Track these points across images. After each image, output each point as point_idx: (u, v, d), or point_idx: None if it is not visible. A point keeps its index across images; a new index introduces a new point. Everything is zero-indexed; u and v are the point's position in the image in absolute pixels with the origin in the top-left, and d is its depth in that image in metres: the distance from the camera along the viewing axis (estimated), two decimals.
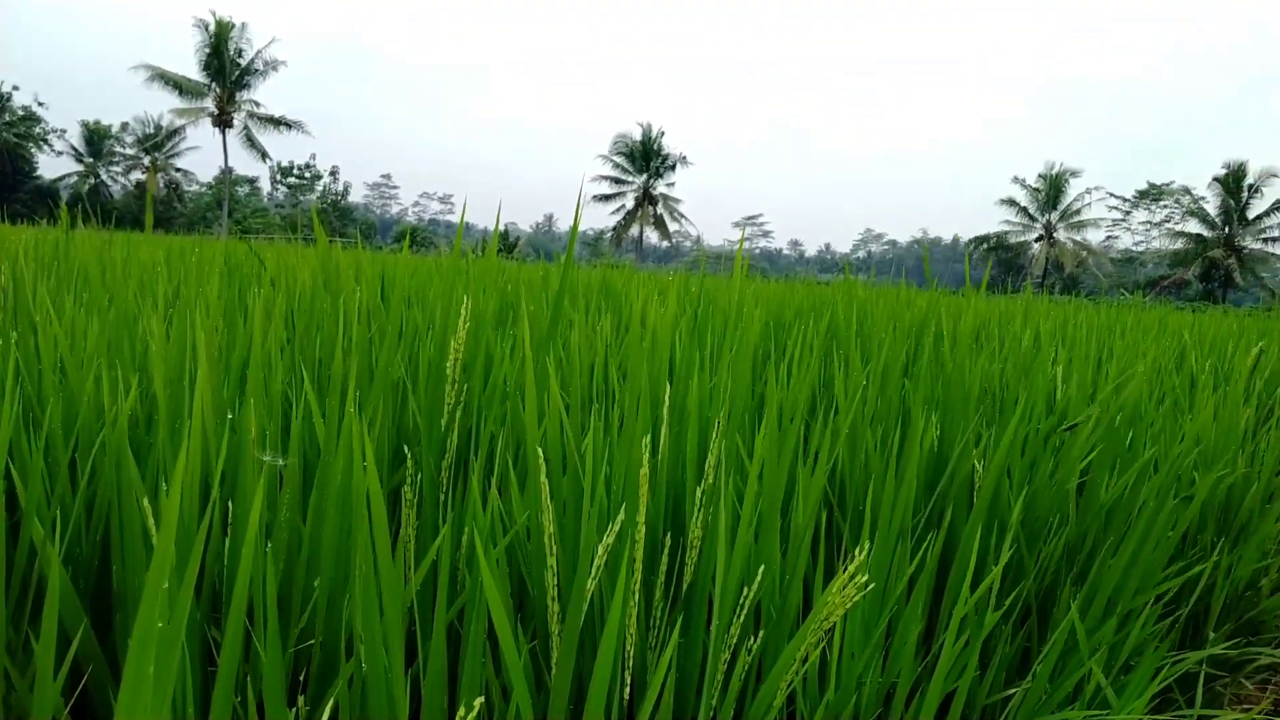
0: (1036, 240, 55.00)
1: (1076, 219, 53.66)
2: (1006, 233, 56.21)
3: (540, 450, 1.18)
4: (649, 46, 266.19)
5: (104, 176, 60.41)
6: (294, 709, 1.01)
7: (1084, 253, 53.05)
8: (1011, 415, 1.65)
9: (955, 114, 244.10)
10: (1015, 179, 55.34)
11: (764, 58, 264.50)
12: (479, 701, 0.79)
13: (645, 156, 57.68)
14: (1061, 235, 54.02)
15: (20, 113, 54.61)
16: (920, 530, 1.70)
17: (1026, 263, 55.73)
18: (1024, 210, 55.06)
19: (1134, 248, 63.58)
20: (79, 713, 1.19)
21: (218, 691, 0.92)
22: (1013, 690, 1.57)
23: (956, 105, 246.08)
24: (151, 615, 0.71)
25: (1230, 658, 2.19)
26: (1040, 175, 54.45)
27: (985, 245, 56.79)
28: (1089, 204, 53.59)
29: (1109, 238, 63.99)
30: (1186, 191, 51.90)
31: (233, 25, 46.84)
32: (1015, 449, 1.76)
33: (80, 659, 1.14)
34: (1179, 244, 50.48)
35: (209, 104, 47.90)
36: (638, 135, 57.74)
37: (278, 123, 49.39)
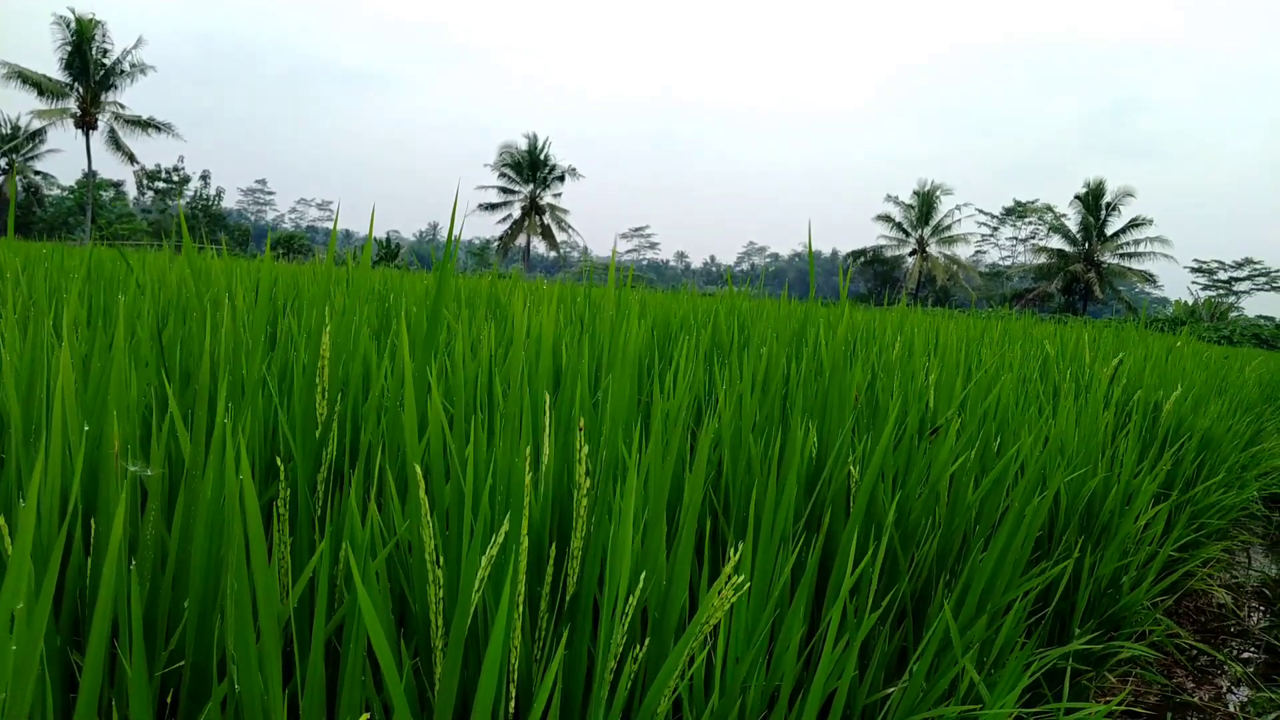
0: (911, 254, 57.15)
1: (948, 234, 56.02)
2: (883, 247, 58.27)
3: (419, 465, 1.16)
4: (540, 57, 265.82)
5: None
6: None
7: (955, 266, 55.41)
8: (885, 422, 1.70)
9: (837, 130, 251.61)
10: (889, 197, 57.36)
11: (656, 68, 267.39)
12: (365, 718, 0.76)
13: (532, 166, 57.51)
14: (934, 250, 56.29)
15: None
16: (801, 535, 1.74)
17: (901, 276, 57.83)
18: (899, 226, 57.15)
19: (1001, 262, 66.81)
20: None
21: (79, 717, 0.87)
22: (891, 689, 1.62)
23: (837, 121, 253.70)
24: (4, 637, 0.67)
25: (1095, 652, 2.31)
26: (914, 192, 56.59)
27: (863, 259, 58.73)
28: (959, 220, 56.10)
29: (978, 252, 67.13)
30: (1049, 209, 54.82)
31: (96, 24, 44.66)
32: (889, 454, 1.81)
33: None
34: (1043, 259, 53.33)
35: (71, 105, 45.52)
36: (524, 145, 57.56)
37: (145, 125, 47.25)
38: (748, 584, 1.32)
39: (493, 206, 58.03)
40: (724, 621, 1.34)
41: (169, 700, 1.16)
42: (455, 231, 1.47)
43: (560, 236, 58.28)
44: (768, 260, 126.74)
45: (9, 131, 53.92)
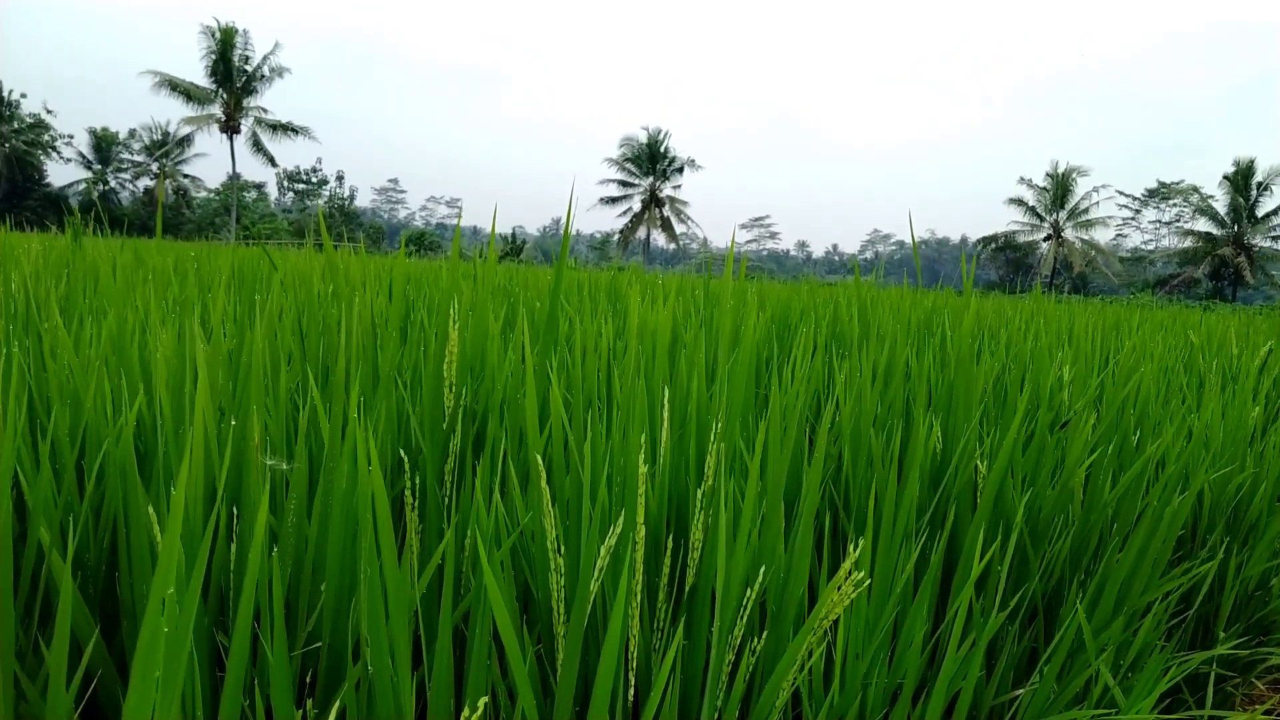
0: (1045, 240, 54.84)
1: (1084, 218, 53.45)
2: (1015, 232, 56.04)
3: (540, 457, 1.19)
4: (665, 50, 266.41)
5: (113, 183, 60.64)
6: (301, 711, 1.02)
7: (1092, 252, 52.87)
8: (1014, 416, 1.65)
9: (965, 111, 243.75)
10: (1022, 179, 55.14)
11: (772, 58, 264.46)
12: (484, 701, 0.79)
13: (652, 159, 57.72)
14: (1070, 234, 53.85)
15: (29, 120, 54.86)
16: (925, 531, 1.71)
17: (1035, 262, 55.59)
18: (1032, 210, 54.89)
19: (1143, 246, 63.42)
20: (88, 717, 1.20)
21: (226, 694, 0.93)
22: (1020, 691, 1.58)
23: (966, 102, 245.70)
24: (157, 620, 0.72)
25: (1240, 658, 2.19)
26: (1047, 174, 54.26)
27: (993, 245, 56.64)
28: (1097, 203, 53.39)
29: (1118, 236, 63.89)
30: (1195, 190, 51.70)
31: (236, 31, 46.97)
32: (1018, 449, 1.76)
33: (90, 665, 1.16)
34: (1188, 242, 50.30)
35: (216, 110, 48.05)
36: (644, 138, 57.80)
37: (284, 128, 49.52)
38: (868, 580, 1.30)
39: (613, 200, 58.53)
40: (844, 617, 1.34)
41: (308, 680, 1.23)
42: (573, 227, 1.50)
43: (679, 228, 58.38)
44: (892, 248, 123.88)
45: (160, 138, 57.40)
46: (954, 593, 1.61)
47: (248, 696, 1.11)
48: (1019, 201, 55.08)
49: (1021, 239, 55.99)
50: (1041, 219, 54.94)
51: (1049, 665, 1.51)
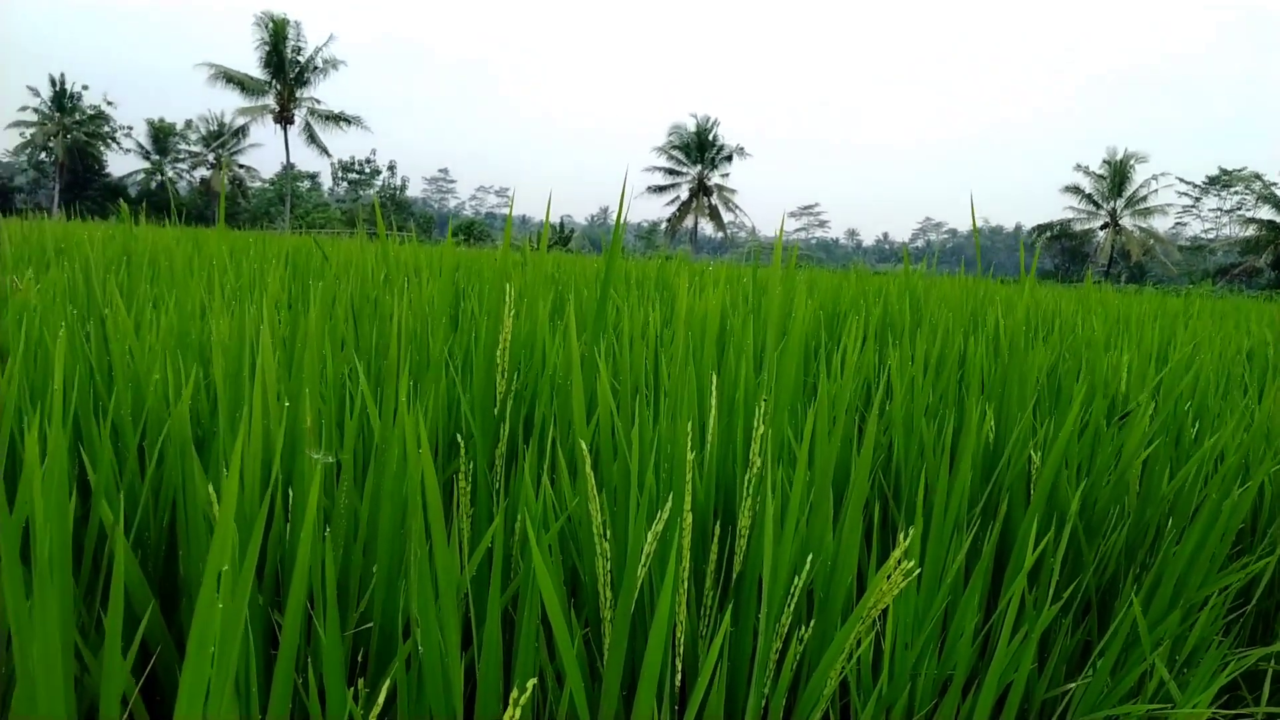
0: (1101, 228, 53.68)
1: (1143, 206, 52.20)
2: (1070, 220, 54.91)
3: (586, 444, 1.19)
4: (708, 36, 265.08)
5: (170, 173, 61.95)
6: (353, 689, 1.03)
7: (1151, 240, 51.66)
8: (1070, 405, 1.63)
9: (1017, 97, 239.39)
10: (1078, 166, 53.96)
11: (820, 43, 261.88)
12: (532, 682, 0.80)
13: (700, 148, 57.52)
14: (1127, 222, 52.65)
15: (90, 112, 56.26)
16: (977, 521, 1.69)
17: (1091, 251, 54.46)
18: (1088, 197, 53.74)
19: (1203, 235, 61.80)
20: (148, 692, 1.23)
21: (279, 671, 0.95)
22: (1072, 684, 1.55)
23: (1018, 88, 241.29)
24: (212, 596, 0.73)
25: None
26: (1104, 161, 53.08)
27: (1049, 233, 55.54)
28: (1156, 190, 52.07)
29: (1177, 225, 62.29)
30: (1258, 177, 50.22)
31: (288, 23, 47.60)
32: (1073, 440, 1.73)
33: (149, 640, 1.18)
34: (1250, 231, 48.87)
35: (270, 101, 48.78)
36: (692, 126, 57.61)
37: (338, 119, 50.15)
38: (918, 569, 1.29)
39: (660, 189, 58.45)
40: (893, 606, 1.32)
41: (359, 659, 1.25)
42: (623, 215, 1.50)
43: (727, 217, 58.16)
44: (945, 236, 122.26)
45: (217, 129, 58.49)
46: (1006, 584, 1.59)
47: (300, 674, 1.13)
48: (1075, 189, 53.95)
49: (1077, 227, 54.83)
50: (1098, 207, 53.77)
51: (1102, 659, 1.49)
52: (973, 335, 2.32)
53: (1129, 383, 2.09)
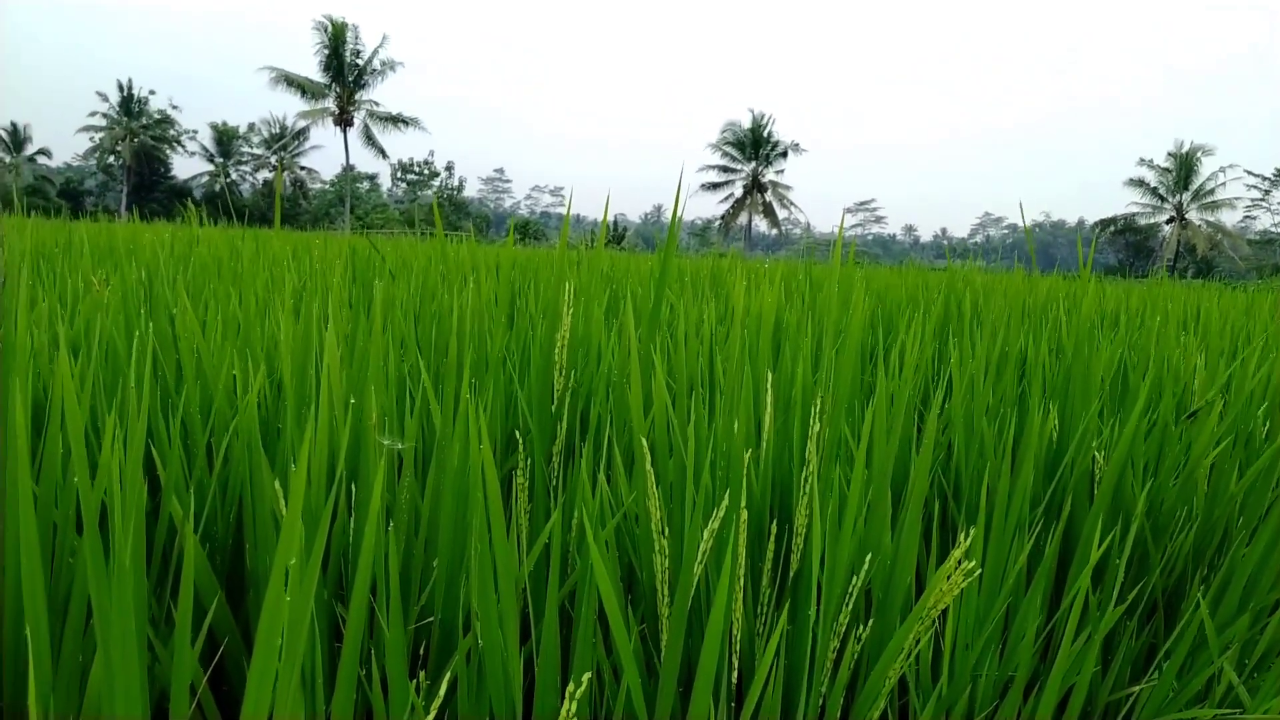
0: (1167, 222, 52.32)
1: (1210, 199, 50.76)
2: (1135, 215, 53.61)
3: (645, 440, 1.19)
4: (763, 31, 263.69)
5: (234, 175, 63.36)
6: (414, 681, 1.05)
7: (1218, 235, 50.20)
8: (1135, 404, 1.59)
9: (1081, 89, 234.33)
10: (1141, 160, 52.62)
11: (876, 36, 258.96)
12: (588, 676, 0.81)
13: (755, 144, 57.22)
14: (1194, 216, 51.23)
15: (156, 115, 57.73)
16: (1039, 521, 1.66)
17: (1157, 246, 53.10)
18: (1153, 191, 52.40)
19: (1273, 229, 59.84)
20: (214, 682, 1.26)
21: (344, 663, 0.97)
22: (1137, 687, 1.52)
23: (1081, 80, 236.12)
24: (280, 589, 0.75)
25: None
26: (1169, 154, 51.70)
27: (1112, 228, 54.31)
28: (1223, 183, 50.57)
29: (1246, 218, 60.34)
30: None
31: (347, 26, 48.32)
32: (1139, 440, 1.69)
33: (216, 633, 1.22)
34: None
35: (330, 104, 49.57)
36: (747, 123, 57.34)
37: (396, 120, 50.81)
38: (979, 570, 1.27)
39: (714, 186, 58.24)
40: (953, 607, 1.31)
41: (421, 652, 1.26)
42: (679, 213, 1.50)
43: (782, 214, 57.77)
44: (1005, 232, 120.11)
45: (278, 131, 59.66)
46: (1069, 585, 1.56)
47: (364, 666, 1.15)
48: (1139, 182, 52.65)
49: (1142, 221, 53.51)
50: (1164, 200, 52.42)
51: (1169, 662, 1.45)
52: (1035, 332, 2.28)
53: (1198, 380, 2.04)
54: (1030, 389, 1.77)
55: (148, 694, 0.89)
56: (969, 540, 1.15)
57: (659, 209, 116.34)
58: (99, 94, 56.67)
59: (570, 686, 0.84)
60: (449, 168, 73.98)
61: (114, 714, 0.77)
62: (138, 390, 1.17)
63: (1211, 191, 50.77)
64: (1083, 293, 1.89)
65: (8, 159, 61.34)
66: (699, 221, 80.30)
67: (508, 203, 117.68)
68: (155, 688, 1.14)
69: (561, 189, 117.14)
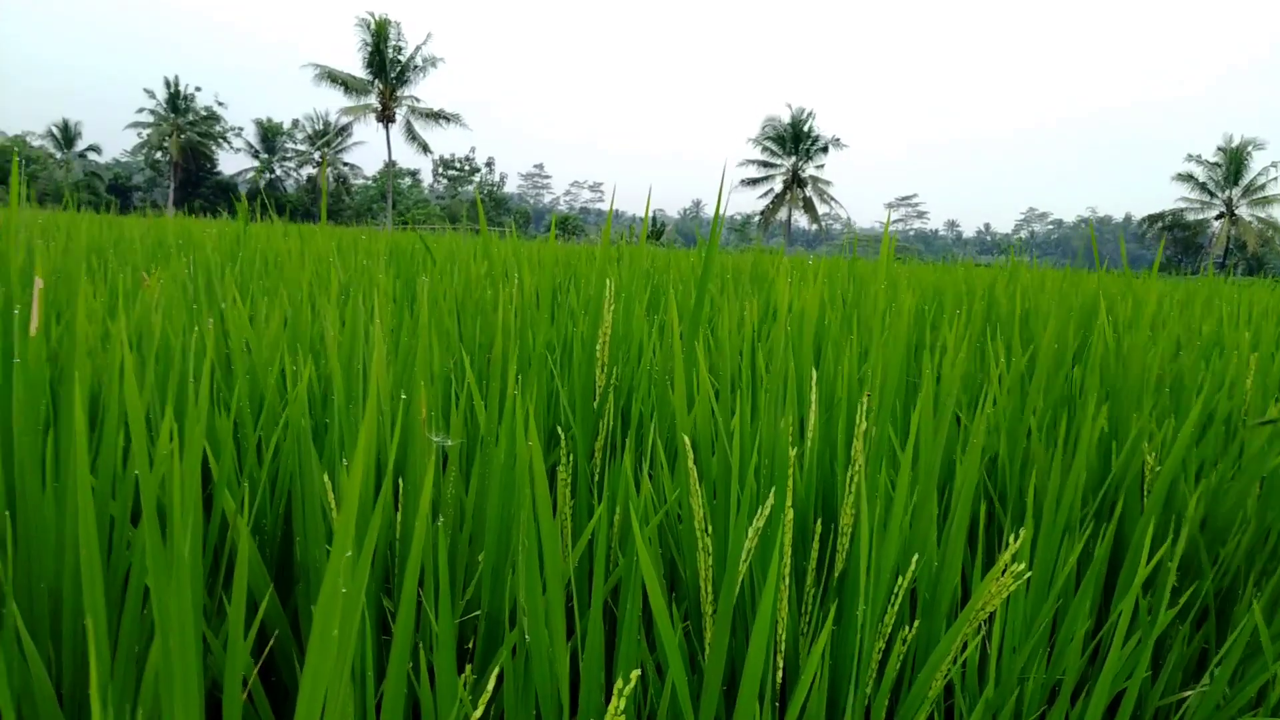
0: (1216, 218, 51.28)
1: (1261, 195, 49.65)
2: (1183, 210, 52.61)
3: (688, 437, 1.19)
4: (799, 26, 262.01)
5: (278, 171, 64.21)
6: (461, 676, 1.06)
7: (1270, 231, 49.11)
8: (1190, 406, 1.56)
9: (1126, 83, 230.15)
10: (1190, 156, 51.55)
11: (918, 32, 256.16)
12: (636, 673, 0.81)
13: (795, 139, 56.91)
14: (1244, 212, 50.15)
15: (203, 113, 58.69)
16: (1089, 524, 1.64)
17: (1206, 242, 52.06)
18: (1202, 186, 51.37)
19: None
20: (265, 674, 1.28)
21: (393, 657, 0.98)
22: (1188, 693, 1.49)
23: (1127, 73, 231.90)
24: (336, 581, 0.76)
25: None
26: (1219, 149, 50.63)
27: (1160, 224, 53.36)
28: (1275, 178, 49.46)
29: None
30: None
31: (389, 23, 48.70)
32: (1192, 443, 1.66)
33: (266, 625, 1.23)
34: None
35: (373, 100, 50.00)
36: (787, 118, 57.05)
37: (436, 116, 51.16)
38: (1028, 572, 1.26)
39: (753, 181, 58.03)
40: (1000, 609, 1.29)
41: (467, 646, 1.27)
42: (721, 208, 1.50)
43: (822, 209, 57.39)
44: (1049, 227, 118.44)
45: (321, 128, 60.33)
46: (1119, 588, 1.54)
47: (412, 659, 1.16)
48: (1187, 177, 51.64)
49: (1190, 217, 52.50)
50: (1213, 196, 51.37)
51: (1220, 667, 1.43)
52: (1085, 331, 2.25)
53: (1253, 381, 2.00)
54: (1081, 390, 1.75)
55: (203, 687, 0.90)
56: (1018, 542, 1.14)
57: (698, 204, 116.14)
58: (146, 90, 57.74)
59: (619, 684, 0.84)
60: (489, 163, 74.44)
61: (171, 703, 0.78)
62: (196, 383, 1.19)
63: (1263, 186, 49.67)
64: (1135, 291, 1.85)
65: (59, 155, 62.67)
66: (738, 217, 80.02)
67: (547, 198, 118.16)
68: (207, 677, 1.15)
69: (601, 184, 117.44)
